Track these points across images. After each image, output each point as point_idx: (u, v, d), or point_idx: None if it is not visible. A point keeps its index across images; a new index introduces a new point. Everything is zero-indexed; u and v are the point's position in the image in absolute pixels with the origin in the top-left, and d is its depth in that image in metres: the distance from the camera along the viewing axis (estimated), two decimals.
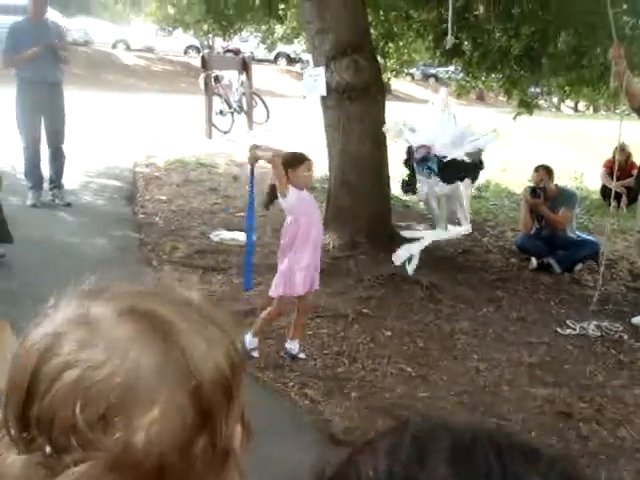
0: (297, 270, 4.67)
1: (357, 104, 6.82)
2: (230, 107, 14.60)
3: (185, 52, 32.79)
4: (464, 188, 6.11)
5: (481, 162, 6.06)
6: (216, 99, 14.10)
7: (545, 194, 7.26)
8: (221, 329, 0.77)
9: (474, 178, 6.20)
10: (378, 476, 0.53)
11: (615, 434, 4.15)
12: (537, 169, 7.58)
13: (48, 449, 0.67)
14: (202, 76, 13.69)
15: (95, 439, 0.66)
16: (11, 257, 5.98)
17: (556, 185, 7.69)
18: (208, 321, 0.77)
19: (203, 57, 14.16)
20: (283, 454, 3.30)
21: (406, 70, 12.93)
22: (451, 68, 12.23)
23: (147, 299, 0.76)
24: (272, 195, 4.70)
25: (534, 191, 7.29)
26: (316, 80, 6.88)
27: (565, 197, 7.46)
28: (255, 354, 4.67)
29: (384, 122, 7.11)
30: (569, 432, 4.15)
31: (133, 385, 0.67)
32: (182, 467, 0.69)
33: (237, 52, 26.16)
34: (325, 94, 6.88)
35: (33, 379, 0.68)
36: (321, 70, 6.82)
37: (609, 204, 10.23)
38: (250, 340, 4.67)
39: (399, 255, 6.05)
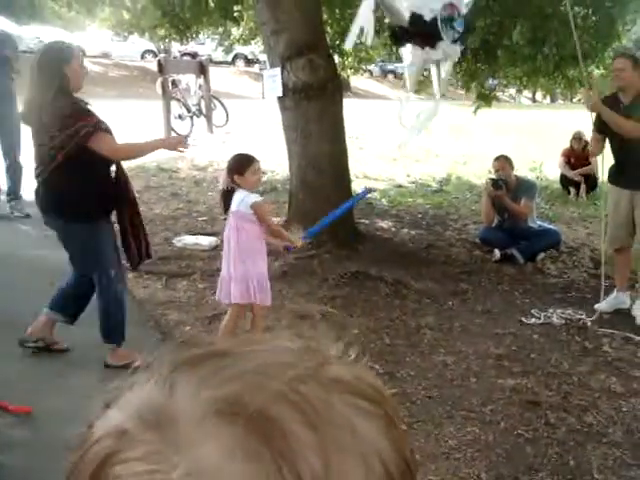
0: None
1: (315, 103, 6.81)
2: (189, 111, 14.53)
3: (142, 57, 32.54)
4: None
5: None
6: (174, 103, 14.03)
7: (507, 185, 7.31)
8: (369, 429, 0.47)
9: None
10: None
11: (582, 420, 4.19)
12: (497, 158, 7.65)
13: None
14: (159, 80, 13.61)
15: None
16: None
17: (516, 176, 7.75)
18: (353, 415, 0.47)
19: (159, 61, 14.04)
20: None
21: (364, 67, 12.93)
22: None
23: (251, 385, 0.45)
24: (226, 201, 4.62)
25: (496, 183, 7.33)
26: (274, 81, 6.87)
27: (525, 187, 7.53)
28: None
29: (343, 120, 7.13)
30: (537, 421, 4.18)
31: None
32: None
33: (194, 55, 26.04)
34: (281, 94, 6.87)
35: None
36: (277, 70, 6.80)
37: (568, 193, 10.42)
38: None
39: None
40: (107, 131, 4.27)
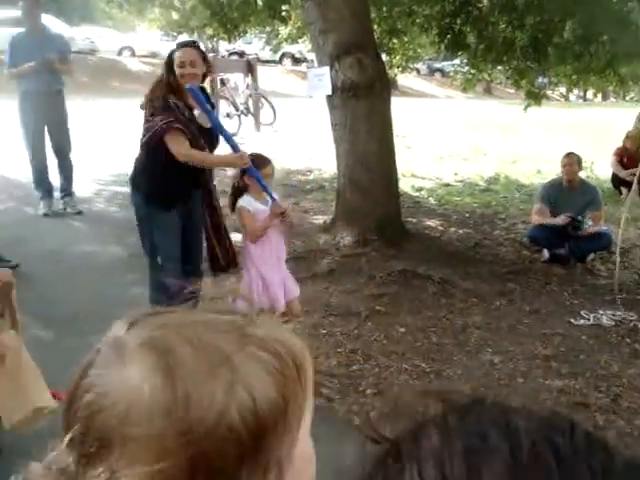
0: None
1: (363, 102, 6.83)
2: (237, 110, 14.64)
3: None
4: None
5: None
6: (223, 102, 14.14)
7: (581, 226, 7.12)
8: (249, 373, 0.69)
9: None
10: None
11: (632, 423, 4.14)
12: (568, 155, 7.41)
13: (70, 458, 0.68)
14: (208, 80, 13.70)
15: (80, 471, 0.67)
16: (26, 268, 6.02)
17: (580, 177, 7.61)
18: (233, 358, 0.69)
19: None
20: None
21: (412, 65, 12.89)
22: (457, 61, 12.22)
23: (177, 331, 0.71)
24: (234, 199, 4.64)
25: (577, 226, 7.08)
26: (321, 79, 6.90)
27: (590, 194, 7.37)
28: None
29: (390, 119, 7.14)
30: (586, 423, 4.10)
31: (126, 422, 0.66)
32: None
33: (242, 54, 26.22)
34: (330, 93, 6.90)
35: (73, 391, 0.70)
36: (326, 69, 6.83)
37: (620, 193, 10.24)
38: None
39: None
40: (180, 131, 4.36)
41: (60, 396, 2.67)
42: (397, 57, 10.89)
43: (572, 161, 7.32)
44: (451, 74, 15.69)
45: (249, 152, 4.68)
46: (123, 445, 0.65)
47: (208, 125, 4.55)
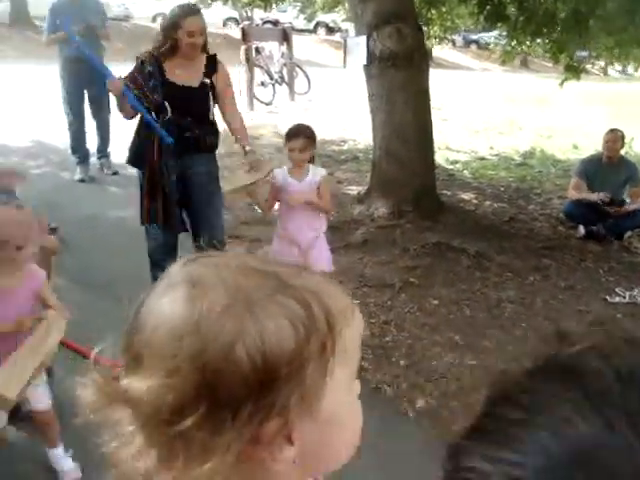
0: None
1: (401, 72, 6.77)
2: (271, 78, 14.60)
3: (224, 24, 32.73)
4: None
5: None
6: (257, 71, 14.10)
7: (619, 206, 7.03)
8: (271, 317, 0.72)
9: None
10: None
11: None
12: (613, 131, 7.21)
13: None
14: (243, 48, 13.68)
15: (122, 373, 0.75)
16: (63, 233, 6.08)
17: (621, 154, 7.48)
18: (262, 301, 0.72)
19: (243, 29, 14.13)
20: None
21: (449, 37, 12.74)
22: (494, 33, 12.03)
23: (216, 271, 0.76)
24: None
25: (613, 201, 6.99)
26: (358, 49, 6.85)
27: (629, 171, 7.24)
28: None
29: (428, 91, 7.07)
30: None
31: (149, 343, 0.73)
32: (175, 429, 0.70)
33: (276, 23, 26.04)
34: (366, 62, 6.85)
35: (135, 314, 0.77)
36: (362, 39, 6.77)
37: None
38: None
39: None
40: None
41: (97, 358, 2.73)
42: (435, 28, 10.77)
43: (616, 137, 7.17)
44: (489, 46, 15.47)
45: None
46: (149, 361, 0.72)
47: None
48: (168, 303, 0.74)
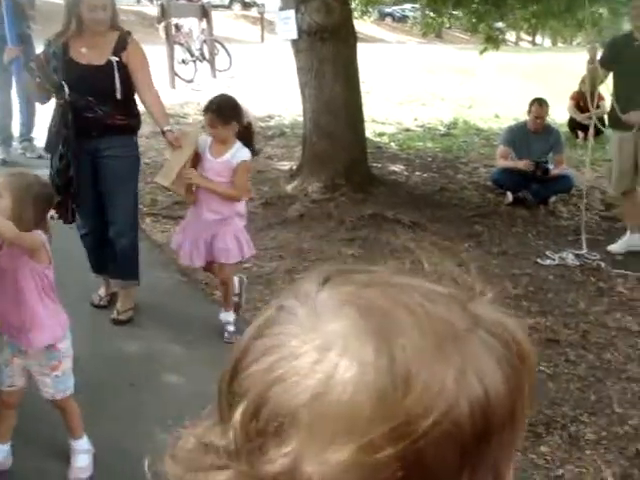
0: None
1: (329, 46, 6.79)
2: (192, 56, 14.42)
3: (137, 1, 32.05)
4: None
5: None
6: (177, 48, 13.90)
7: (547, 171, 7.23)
8: (483, 362, 0.54)
9: None
10: None
11: (601, 357, 4.30)
12: (540, 103, 7.41)
13: (231, 435, 0.57)
14: (162, 25, 13.46)
15: (264, 445, 0.54)
16: None
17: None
18: (467, 342, 0.54)
19: (162, 5, 13.89)
20: None
21: (371, 10, 12.81)
22: (407, 6, 12.14)
23: (385, 293, 0.57)
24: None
25: (544, 170, 7.18)
26: (287, 23, 6.83)
27: (553, 138, 7.47)
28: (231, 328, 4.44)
29: (356, 64, 7.12)
30: (557, 358, 4.29)
31: (322, 398, 0.52)
32: None
33: None
34: (296, 37, 6.84)
35: (243, 352, 0.58)
36: (291, 12, 6.76)
37: (576, 136, 10.41)
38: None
39: None
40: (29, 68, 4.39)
41: None
42: (357, 1, 10.80)
43: (544, 111, 7.40)
44: (407, 19, 15.61)
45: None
46: (313, 426, 0.52)
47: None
48: (342, 344, 0.53)
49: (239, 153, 4.13)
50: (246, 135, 4.25)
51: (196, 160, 4.21)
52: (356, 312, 0.54)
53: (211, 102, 4.15)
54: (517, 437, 0.57)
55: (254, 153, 4.42)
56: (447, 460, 0.51)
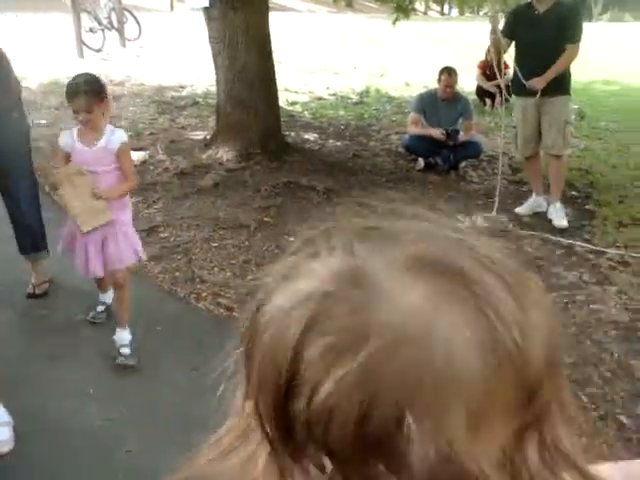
0: None
1: (241, 14, 6.77)
2: (100, 24, 14.05)
3: None
4: None
5: None
6: (84, 16, 13.53)
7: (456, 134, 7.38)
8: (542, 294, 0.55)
9: None
10: None
11: None
12: (448, 72, 7.52)
13: (329, 464, 0.49)
14: None
15: (398, 450, 0.46)
16: None
17: None
18: (530, 282, 0.54)
19: None
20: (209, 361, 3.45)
21: None
22: None
23: (439, 246, 0.52)
24: None
25: (453, 136, 7.31)
26: None
27: (462, 105, 7.64)
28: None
29: (269, 32, 7.12)
30: None
31: (443, 373, 0.46)
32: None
33: None
34: (208, 5, 6.78)
35: (295, 361, 0.48)
36: None
37: (484, 104, 10.68)
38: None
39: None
40: None
41: None
42: None
43: (453, 79, 7.55)
44: None
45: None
46: (440, 408, 0.46)
47: None
48: (439, 318, 0.47)
49: (114, 136, 3.65)
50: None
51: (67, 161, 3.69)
52: (427, 278, 0.49)
53: (77, 84, 3.53)
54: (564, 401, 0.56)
55: None
56: (544, 386, 0.51)
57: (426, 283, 0.48)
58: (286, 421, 0.49)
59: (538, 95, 5.82)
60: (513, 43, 6.08)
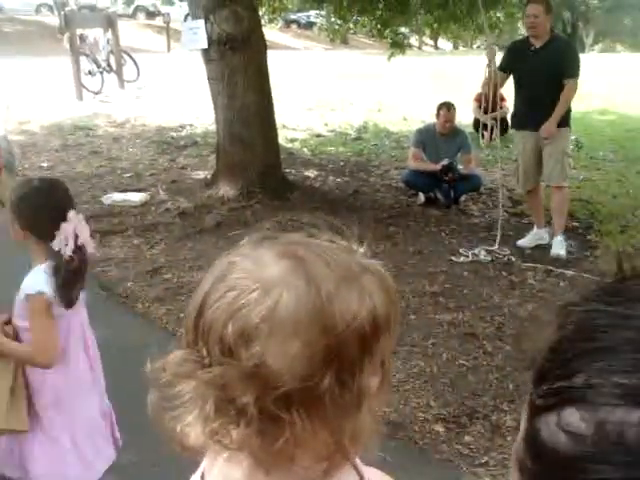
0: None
1: (239, 55, 6.84)
2: (99, 66, 14.19)
3: (37, 11, 31.29)
4: None
5: None
6: (83, 59, 13.67)
7: (454, 169, 7.39)
8: (374, 291, 0.85)
9: None
10: None
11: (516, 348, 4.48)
12: (448, 108, 7.59)
13: (204, 351, 0.82)
14: (67, 36, 13.24)
15: (235, 351, 0.79)
16: None
17: None
18: (360, 279, 0.84)
19: (65, 15, 13.64)
20: None
21: (278, 17, 12.88)
22: (312, 13, 12.26)
23: (305, 248, 0.86)
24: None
25: (451, 169, 7.33)
26: (196, 33, 6.83)
27: (463, 139, 7.68)
28: None
29: (267, 71, 7.19)
30: (476, 351, 4.45)
31: (271, 314, 0.79)
32: (307, 397, 0.79)
33: (93, 8, 25.21)
34: (206, 47, 6.85)
35: (206, 296, 0.83)
36: (201, 22, 6.77)
37: (482, 137, 10.72)
38: None
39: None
40: None
41: None
42: (264, 9, 10.85)
43: (452, 114, 7.59)
44: (312, 25, 15.76)
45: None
46: (271, 334, 0.79)
47: None
48: (280, 278, 0.81)
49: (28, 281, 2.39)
50: None
51: None
52: (288, 261, 0.82)
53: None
54: (393, 339, 0.88)
55: None
56: (355, 350, 0.81)
57: (285, 264, 0.82)
58: (195, 330, 0.83)
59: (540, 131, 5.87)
60: (511, 77, 6.15)
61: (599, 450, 0.48)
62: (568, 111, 5.96)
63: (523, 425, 0.58)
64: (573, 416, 0.50)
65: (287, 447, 0.81)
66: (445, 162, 7.30)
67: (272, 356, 0.78)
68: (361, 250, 0.93)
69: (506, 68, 6.10)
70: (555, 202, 6.21)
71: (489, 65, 6.14)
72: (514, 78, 6.11)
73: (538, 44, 5.88)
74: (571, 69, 5.82)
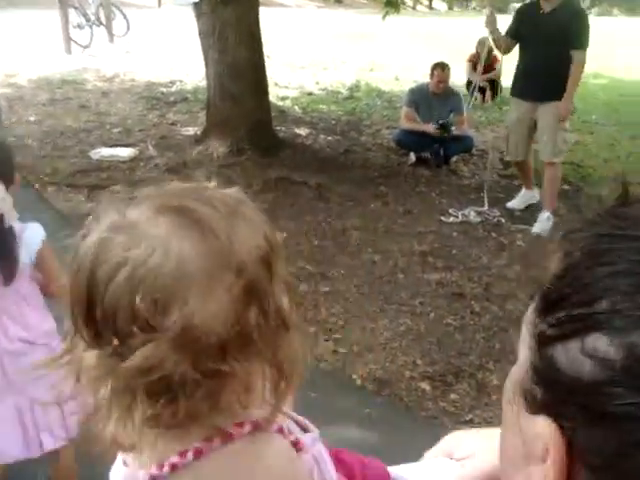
0: None
1: (231, 9, 6.73)
2: (88, 20, 13.96)
3: None
4: None
5: None
6: (72, 12, 13.45)
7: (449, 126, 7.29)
8: (255, 216, 0.84)
9: None
10: None
11: (504, 308, 4.50)
12: (442, 67, 7.45)
13: (115, 341, 0.75)
14: None
15: (155, 323, 0.73)
16: None
17: None
18: (242, 209, 0.83)
19: None
20: None
21: None
22: None
23: (177, 197, 0.81)
24: None
25: (445, 128, 7.24)
26: None
27: (454, 100, 7.57)
28: None
29: (259, 26, 7.09)
30: (463, 310, 4.47)
31: (180, 272, 0.74)
32: (240, 340, 0.77)
33: None
34: (197, 1, 6.74)
35: (90, 285, 0.76)
36: None
37: (474, 98, 10.65)
38: None
39: None
40: None
41: None
42: None
43: (446, 74, 7.48)
44: None
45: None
46: (186, 294, 0.74)
47: None
48: (171, 236, 0.76)
49: (28, 233, 2.39)
50: None
51: None
52: (169, 215, 0.77)
53: None
54: (282, 278, 0.83)
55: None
56: (264, 276, 0.79)
57: (167, 219, 0.77)
58: (91, 324, 0.77)
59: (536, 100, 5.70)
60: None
61: (630, 374, 0.46)
62: (565, 83, 5.59)
63: (526, 358, 0.55)
64: (599, 341, 0.48)
65: (236, 397, 0.80)
66: (441, 121, 7.23)
67: (196, 314, 0.74)
68: (211, 184, 0.88)
69: (514, 34, 5.83)
70: (546, 178, 5.97)
71: (491, 33, 5.98)
72: (520, 43, 5.87)
73: (548, 8, 5.58)
74: (580, 39, 5.51)
